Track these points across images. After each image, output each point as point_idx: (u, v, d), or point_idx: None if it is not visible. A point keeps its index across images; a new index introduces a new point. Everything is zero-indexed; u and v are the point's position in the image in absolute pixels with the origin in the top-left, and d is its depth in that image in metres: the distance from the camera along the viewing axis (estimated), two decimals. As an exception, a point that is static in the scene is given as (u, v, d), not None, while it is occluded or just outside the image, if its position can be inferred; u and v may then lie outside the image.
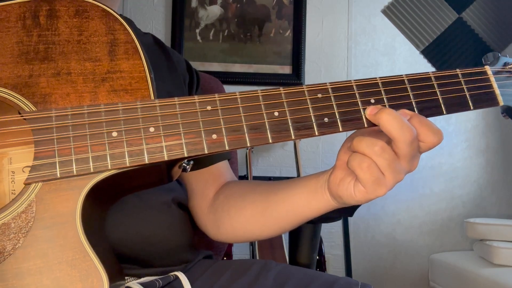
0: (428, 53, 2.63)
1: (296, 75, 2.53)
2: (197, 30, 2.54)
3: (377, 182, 0.50)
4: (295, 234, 1.91)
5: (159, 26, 2.57)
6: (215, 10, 2.55)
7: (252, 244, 2.04)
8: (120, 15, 0.53)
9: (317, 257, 2.00)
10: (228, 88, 0.61)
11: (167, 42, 2.51)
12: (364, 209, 2.54)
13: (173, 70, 0.81)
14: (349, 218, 2.44)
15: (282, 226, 0.67)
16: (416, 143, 0.51)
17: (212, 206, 0.76)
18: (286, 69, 2.55)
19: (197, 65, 2.45)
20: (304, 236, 1.89)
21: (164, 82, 0.77)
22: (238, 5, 2.56)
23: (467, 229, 2.35)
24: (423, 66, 2.60)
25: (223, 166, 0.81)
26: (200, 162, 0.77)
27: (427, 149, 0.53)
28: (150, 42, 0.82)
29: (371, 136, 0.51)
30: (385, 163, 0.50)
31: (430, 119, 0.56)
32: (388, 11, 2.63)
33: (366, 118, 0.52)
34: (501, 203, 2.63)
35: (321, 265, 2.10)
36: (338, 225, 2.48)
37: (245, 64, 2.55)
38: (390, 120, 0.49)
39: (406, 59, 2.63)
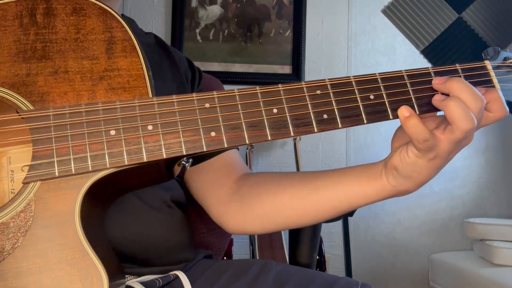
0: (428, 53, 2.63)
1: (296, 75, 2.53)
2: (197, 30, 2.54)
3: (468, 117, 0.51)
4: (295, 234, 1.90)
5: (159, 26, 2.56)
6: (215, 10, 2.55)
7: (252, 244, 2.03)
8: (122, 15, 0.53)
9: (317, 257, 1.99)
10: (228, 88, 0.61)
11: (167, 42, 2.50)
12: (364, 209, 2.53)
13: (175, 69, 0.80)
14: (349, 218, 2.43)
15: (324, 213, 0.64)
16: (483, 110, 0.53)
17: (237, 193, 0.73)
18: (286, 69, 2.55)
19: (197, 65, 2.44)
20: (304, 236, 1.88)
21: (166, 82, 0.76)
22: (238, 5, 2.56)
23: (467, 229, 2.34)
24: (423, 66, 2.60)
25: (234, 155, 0.79)
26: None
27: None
28: (151, 42, 0.82)
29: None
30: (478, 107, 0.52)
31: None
32: (388, 11, 2.62)
33: (365, 114, 0.52)
34: (501, 203, 2.63)
35: (321, 265, 2.09)
36: (338, 225, 2.48)
37: (245, 64, 2.54)
38: (462, 85, 0.52)
39: (406, 59, 2.63)
